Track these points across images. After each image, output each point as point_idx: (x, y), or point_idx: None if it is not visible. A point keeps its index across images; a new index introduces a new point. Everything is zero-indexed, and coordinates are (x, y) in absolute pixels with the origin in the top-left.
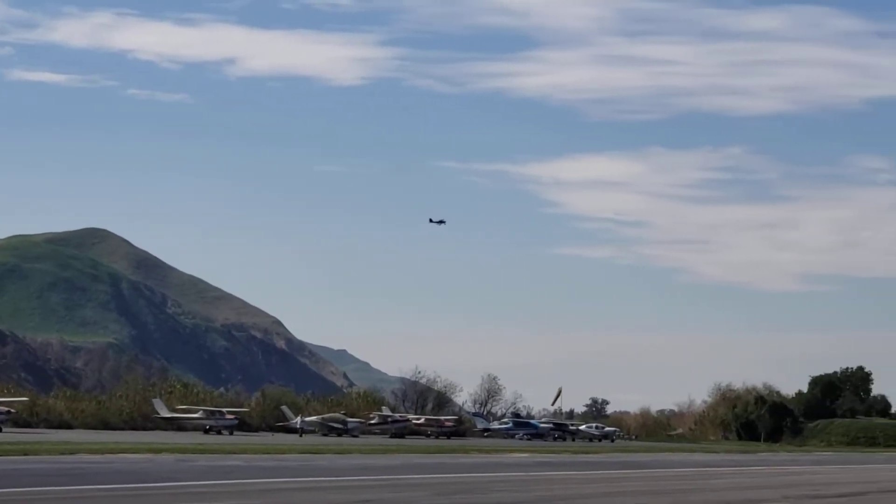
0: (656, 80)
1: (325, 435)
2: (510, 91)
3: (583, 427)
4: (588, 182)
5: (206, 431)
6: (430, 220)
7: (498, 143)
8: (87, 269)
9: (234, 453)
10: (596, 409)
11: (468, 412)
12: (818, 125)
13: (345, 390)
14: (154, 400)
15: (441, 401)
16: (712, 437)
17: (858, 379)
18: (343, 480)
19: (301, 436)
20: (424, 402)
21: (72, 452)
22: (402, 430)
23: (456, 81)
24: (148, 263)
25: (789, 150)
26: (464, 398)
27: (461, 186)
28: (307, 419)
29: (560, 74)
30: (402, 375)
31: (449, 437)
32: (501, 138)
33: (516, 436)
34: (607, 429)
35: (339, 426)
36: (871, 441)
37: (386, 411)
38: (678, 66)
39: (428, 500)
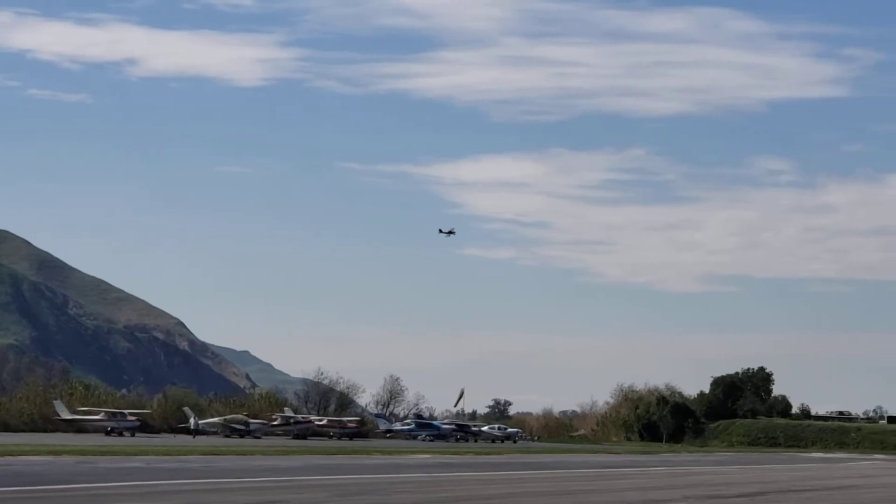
0: (558, 81)
1: (227, 436)
2: (413, 92)
3: (485, 428)
4: (490, 183)
5: (108, 433)
6: (440, 231)
7: (400, 144)
8: None
9: (136, 455)
10: (498, 411)
11: (371, 413)
12: (720, 126)
13: (247, 391)
14: (55, 401)
15: (343, 402)
16: (614, 438)
17: (759, 379)
18: (245, 482)
19: (194, 437)
20: (327, 403)
21: None
22: (305, 432)
23: (358, 82)
24: (49, 264)
25: (691, 151)
26: (366, 399)
27: (363, 187)
28: (209, 420)
29: (462, 75)
30: (305, 376)
31: (351, 439)
32: (404, 139)
33: (419, 437)
34: (510, 430)
35: (242, 427)
36: (771, 441)
37: (288, 412)
38: (580, 67)
39: (329, 502)
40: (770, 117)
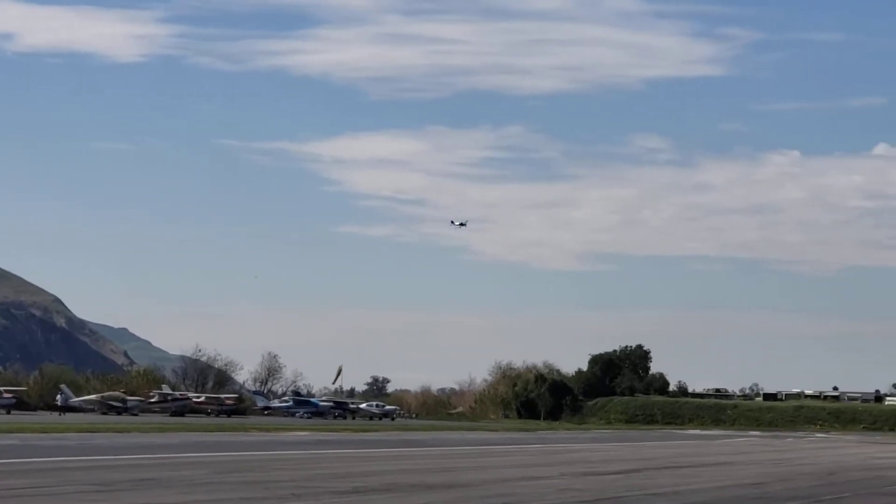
0: (437, 58)
1: (104, 413)
2: (291, 69)
3: (363, 405)
4: (369, 160)
5: None
6: (452, 223)
7: (279, 121)
8: None
9: (11, 432)
10: (377, 388)
11: (249, 390)
12: (598, 104)
13: (125, 368)
14: None
15: (221, 379)
16: (492, 416)
17: (637, 357)
18: (122, 459)
19: (61, 414)
20: (205, 380)
21: None
22: (183, 409)
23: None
24: None
25: (569, 129)
26: (244, 376)
27: (242, 165)
28: (85, 398)
29: (341, 52)
30: (183, 353)
31: (229, 416)
32: (282, 116)
33: (296, 414)
34: (388, 407)
35: (119, 404)
36: (649, 419)
37: (166, 389)
38: (458, 44)
39: (207, 479)
40: (648, 95)
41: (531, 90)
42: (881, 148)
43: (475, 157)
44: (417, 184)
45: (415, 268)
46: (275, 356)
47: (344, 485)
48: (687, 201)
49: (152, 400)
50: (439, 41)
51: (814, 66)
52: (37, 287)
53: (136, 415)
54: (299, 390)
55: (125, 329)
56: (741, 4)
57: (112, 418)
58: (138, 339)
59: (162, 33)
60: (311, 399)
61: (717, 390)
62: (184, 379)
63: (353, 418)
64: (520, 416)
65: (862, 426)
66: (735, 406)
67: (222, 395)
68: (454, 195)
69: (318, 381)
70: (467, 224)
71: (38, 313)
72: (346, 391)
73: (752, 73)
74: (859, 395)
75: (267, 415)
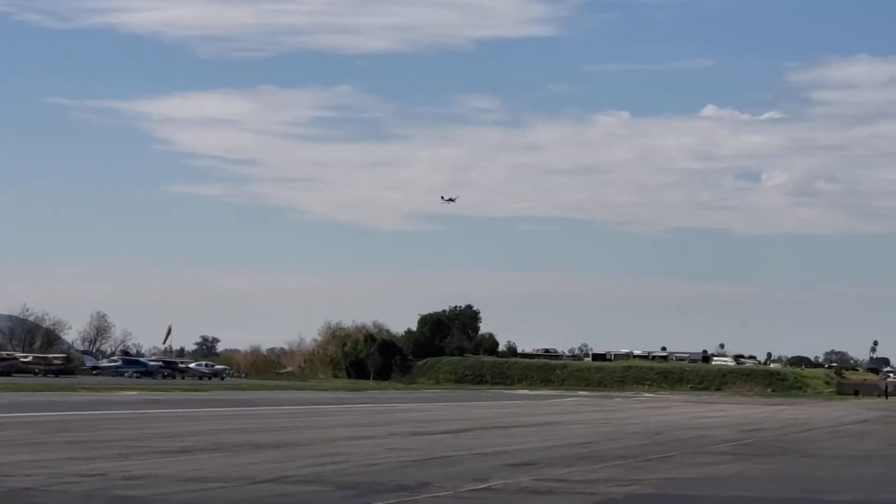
0: (267, 17)
1: None
2: (121, 27)
3: (192, 365)
4: (199, 120)
5: None
6: (442, 198)
7: (109, 79)
8: None
9: None
10: (206, 348)
11: (77, 350)
12: (428, 64)
13: None
14: None
15: (50, 339)
16: (322, 376)
17: (467, 317)
18: None
19: None
20: (32, 339)
21: None
22: (9, 369)
23: (65, 16)
24: None
25: (399, 89)
26: (73, 336)
27: (72, 123)
28: None
29: (170, 11)
30: (10, 313)
31: (57, 375)
32: (112, 75)
33: (125, 374)
34: (217, 367)
35: None
36: (478, 379)
37: None
38: (289, 4)
39: (32, 439)
40: (477, 56)
41: (361, 50)
42: (709, 109)
43: (305, 117)
44: (247, 143)
45: (245, 227)
46: (104, 316)
47: (172, 444)
48: (516, 161)
49: None
50: (270, 0)
51: (643, 27)
52: None
53: None
54: (128, 350)
55: None
56: None
57: None
58: None
59: None
60: (141, 359)
61: (547, 350)
62: (11, 339)
63: (183, 378)
64: (349, 375)
65: (689, 386)
66: (564, 366)
67: (50, 355)
68: (284, 155)
69: (148, 341)
70: (456, 200)
71: None
72: (176, 351)
73: (583, 34)
74: (687, 355)
75: (96, 374)
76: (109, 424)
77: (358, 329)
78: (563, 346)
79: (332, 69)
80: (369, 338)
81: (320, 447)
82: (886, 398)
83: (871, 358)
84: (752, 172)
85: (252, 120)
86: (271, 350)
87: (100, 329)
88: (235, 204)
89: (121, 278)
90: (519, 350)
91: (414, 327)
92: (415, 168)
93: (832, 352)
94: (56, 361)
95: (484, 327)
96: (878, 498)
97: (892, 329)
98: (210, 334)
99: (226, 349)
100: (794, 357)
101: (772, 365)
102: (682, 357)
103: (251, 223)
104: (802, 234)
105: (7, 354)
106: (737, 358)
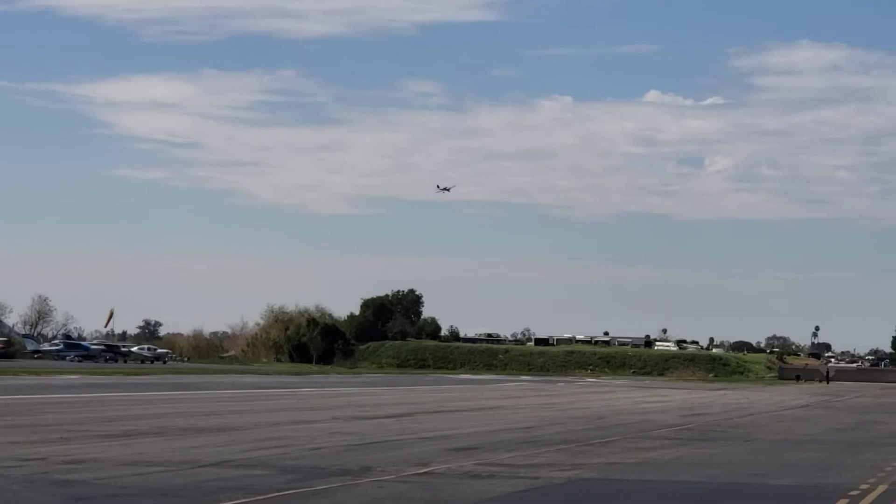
0: (210, 1)
1: None
2: (62, 10)
3: (135, 349)
4: (141, 103)
5: None
6: (438, 187)
7: (50, 62)
8: None
9: None
10: (149, 331)
11: (18, 334)
12: (371, 49)
13: None
14: None
15: None
16: (265, 360)
17: (409, 301)
18: None
19: None
20: None
21: None
22: None
23: None
24: None
25: (342, 73)
26: (14, 319)
27: (12, 106)
28: None
29: None
30: None
31: None
32: (53, 58)
33: (67, 357)
34: (160, 350)
35: None
36: (421, 363)
37: None
38: None
39: None
40: (421, 40)
41: (305, 34)
42: (652, 94)
43: (248, 101)
44: (190, 127)
45: (187, 211)
46: (45, 299)
47: (114, 428)
48: (459, 146)
49: None
50: None
51: (587, 12)
52: None
53: None
54: (70, 334)
55: None
56: None
57: None
58: None
59: None
60: (83, 342)
61: (489, 335)
62: None
63: (125, 362)
64: (292, 359)
65: (632, 371)
66: (507, 351)
67: None
68: (227, 139)
69: (90, 325)
70: (450, 190)
71: None
72: (118, 334)
73: (526, 18)
74: (629, 340)
75: (37, 358)
76: (51, 408)
77: (301, 313)
78: (505, 331)
79: (276, 53)
80: (312, 322)
81: (263, 431)
82: (828, 383)
83: (813, 343)
84: (694, 158)
85: (195, 104)
86: (214, 334)
87: (41, 313)
88: (178, 188)
89: (63, 262)
90: (461, 335)
91: (357, 311)
92: (358, 152)
93: (774, 337)
94: None
95: (426, 311)
96: (818, 482)
97: (833, 315)
98: (152, 318)
99: (168, 333)
100: (736, 342)
101: (714, 350)
102: (624, 342)
103: (194, 207)
104: (745, 220)
105: None
106: (679, 343)
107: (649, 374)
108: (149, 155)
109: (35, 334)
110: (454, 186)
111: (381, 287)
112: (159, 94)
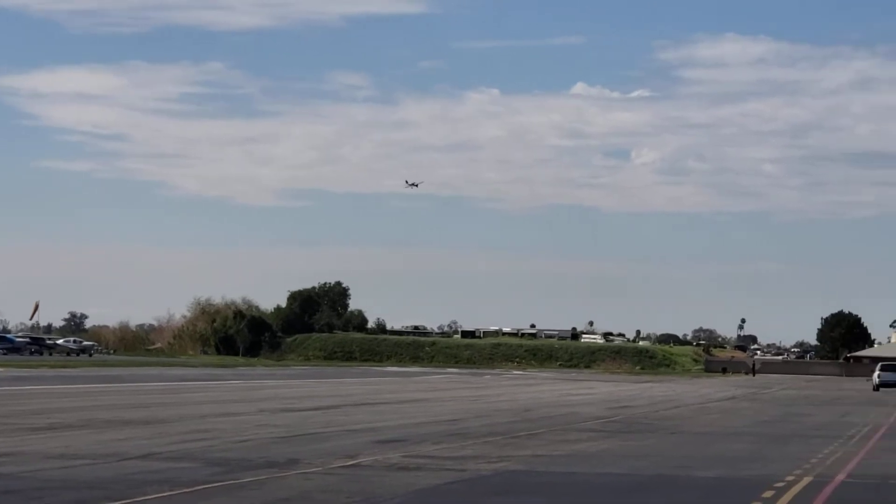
0: None
1: None
2: None
3: (60, 341)
4: (67, 95)
5: None
6: (406, 182)
7: None
8: None
9: None
10: (74, 324)
11: None
12: (299, 41)
13: None
14: None
15: None
16: (191, 352)
17: (336, 294)
18: None
19: None
20: None
21: None
22: None
23: None
24: None
25: (270, 65)
26: None
27: None
28: None
29: None
30: None
31: None
32: None
33: None
34: (85, 343)
35: None
36: (347, 355)
37: None
38: None
39: None
40: (348, 32)
41: (232, 26)
42: (579, 87)
43: (174, 93)
44: (117, 119)
45: (114, 203)
46: None
47: (40, 421)
48: (387, 138)
49: None
50: None
51: (514, 4)
52: None
53: None
54: None
55: None
56: None
57: None
58: None
59: None
60: (7, 335)
61: (416, 327)
62: None
63: (51, 354)
64: (219, 352)
65: (558, 363)
66: (433, 343)
67: None
68: (153, 131)
69: (14, 317)
70: (418, 185)
71: None
72: (43, 327)
73: (453, 10)
74: (556, 332)
75: None
76: None
77: (227, 305)
78: (432, 324)
79: (202, 45)
80: (238, 314)
81: (189, 424)
82: (754, 375)
83: (739, 336)
84: (621, 150)
85: (121, 95)
86: (140, 326)
87: None
88: (104, 179)
89: None
90: (388, 327)
91: (283, 304)
92: (285, 144)
93: (700, 329)
94: None
95: (353, 304)
96: (744, 474)
97: (759, 307)
98: (78, 310)
99: (94, 325)
100: (662, 335)
101: (640, 343)
102: (551, 334)
103: (120, 199)
104: (671, 213)
105: None
106: (606, 335)
107: (576, 366)
108: (75, 147)
109: None
110: (422, 182)
111: (308, 279)
112: (86, 85)
